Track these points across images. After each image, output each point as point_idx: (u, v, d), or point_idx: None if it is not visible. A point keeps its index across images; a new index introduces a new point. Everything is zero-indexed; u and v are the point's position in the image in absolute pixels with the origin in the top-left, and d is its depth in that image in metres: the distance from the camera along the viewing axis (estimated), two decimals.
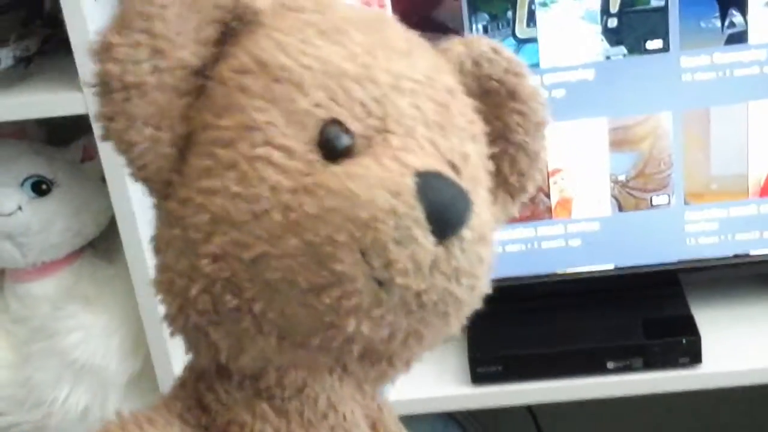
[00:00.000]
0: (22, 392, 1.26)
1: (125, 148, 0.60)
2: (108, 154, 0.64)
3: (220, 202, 0.58)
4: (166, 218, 0.62)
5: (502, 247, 1.30)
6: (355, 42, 0.61)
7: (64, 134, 1.28)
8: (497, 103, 0.72)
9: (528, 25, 1.20)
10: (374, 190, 0.54)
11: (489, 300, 1.31)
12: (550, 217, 1.29)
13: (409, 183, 0.55)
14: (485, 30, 1.20)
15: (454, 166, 0.61)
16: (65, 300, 1.26)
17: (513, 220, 1.25)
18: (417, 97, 0.61)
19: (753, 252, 1.29)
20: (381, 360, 0.68)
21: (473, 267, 0.57)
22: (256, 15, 0.62)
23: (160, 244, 0.63)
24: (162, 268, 0.63)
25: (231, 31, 0.62)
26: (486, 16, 1.19)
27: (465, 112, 0.66)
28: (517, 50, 1.19)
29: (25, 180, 1.22)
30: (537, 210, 1.28)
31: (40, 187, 1.23)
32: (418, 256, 0.54)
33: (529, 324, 1.32)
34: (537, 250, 1.31)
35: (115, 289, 1.25)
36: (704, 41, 1.19)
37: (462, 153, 0.63)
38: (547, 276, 1.32)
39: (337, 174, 0.56)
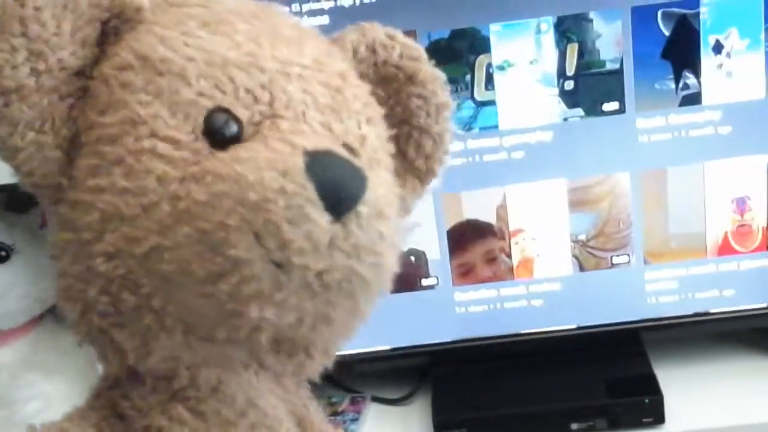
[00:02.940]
0: None
1: (10, 154, 0.59)
2: None
3: (108, 198, 0.57)
4: (59, 223, 0.61)
5: (465, 308, 1.30)
6: (239, 31, 0.61)
7: (23, 200, 1.27)
8: (396, 89, 0.73)
9: (486, 88, 1.21)
10: (262, 172, 0.54)
11: (452, 361, 1.32)
12: (512, 277, 1.29)
13: (298, 162, 0.54)
14: None
15: (350, 148, 0.61)
16: (24, 369, 1.24)
17: (475, 281, 1.28)
18: (306, 82, 0.61)
19: (713, 310, 1.30)
20: (297, 350, 0.67)
21: (374, 243, 0.56)
22: (136, 12, 0.62)
23: (56, 251, 0.62)
24: (60, 274, 0.61)
25: (112, 29, 0.61)
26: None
27: (359, 95, 0.65)
28: (476, 113, 1.20)
29: None
30: (499, 270, 1.29)
31: None
32: (314, 235, 0.53)
33: (492, 385, 1.31)
34: (500, 311, 1.31)
35: (76, 357, 1.23)
36: (659, 103, 1.21)
37: (358, 135, 0.63)
38: (510, 336, 1.32)
39: (224, 159, 0.56)
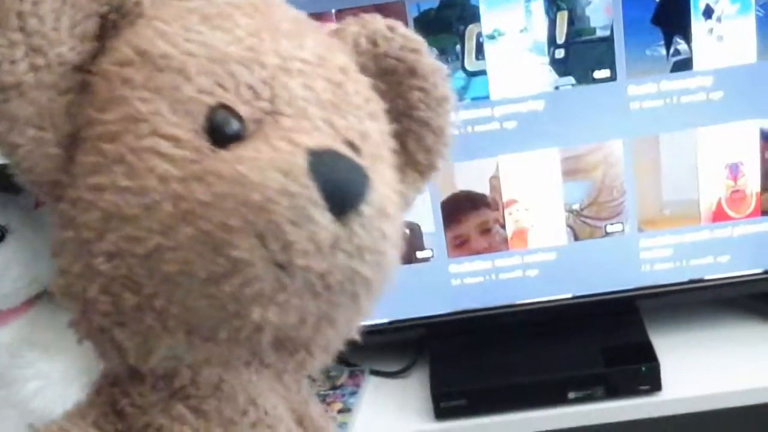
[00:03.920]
0: None
1: (9, 151, 0.58)
2: None
3: (109, 197, 0.57)
4: (58, 221, 0.61)
5: (460, 279, 1.31)
6: (239, 26, 0.60)
7: (16, 180, 1.27)
8: (397, 81, 0.72)
9: (477, 58, 1.21)
10: (265, 172, 0.53)
11: (449, 333, 1.32)
12: (507, 248, 1.29)
13: (301, 162, 0.54)
14: None
15: (352, 145, 0.61)
16: (23, 348, 1.24)
17: (470, 253, 1.28)
18: (308, 78, 0.61)
19: (707, 277, 1.30)
20: (298, 348, 0.67)
21: (376, 243, 0.56)
22: (135, 6, 0.61)
23: (56, 248, 0.61)
24: (60, 272, 0.61)
25: (111, 23, 0.61)
26: (435, 49, 1.18)
27: (361, 90, 0.65)
28: (467, 83, 1.20)
29: None
30: (493, 241, 1.29)
31: None
32: (317, 236, 0.53)
33: (489, 356, 1.32)
34: (495, 282, 1.31)
35: (74, 336, 1.24)
36: (650, 69, 1.21)
37: (360, 131, 0.63)
38: (505, 307, 1.32)
39: (226, 159, 0.55)
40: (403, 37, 0.72)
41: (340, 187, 0.54)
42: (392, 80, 0.72)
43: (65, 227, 0.60)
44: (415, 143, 0.74)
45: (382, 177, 0.62)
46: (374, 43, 0.72)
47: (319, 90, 0.61)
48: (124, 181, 0.56)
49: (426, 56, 0.73)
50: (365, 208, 0.55)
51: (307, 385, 0.76)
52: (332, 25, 0.72)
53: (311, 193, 0.53)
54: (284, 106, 0.59)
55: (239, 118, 0.58)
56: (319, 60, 0.62)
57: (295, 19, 0.65)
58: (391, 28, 0.72)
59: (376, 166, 0.62)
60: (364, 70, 0.69)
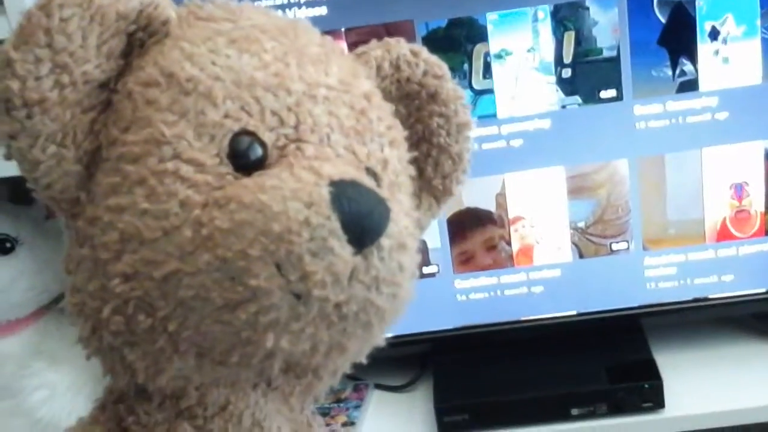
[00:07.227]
0: None
1: (29, 167, 0.58)
2: None
3: (128, 219, 0.56)
4: (75, 238, 0.61)
5: (465, 295, 1.31)
6: (266, 50, 0.60)
7: (28, 192, 1.27)
8: (418, 106, 0.72)
9: (484, 77, 1.22)
10: (287, 202, 0.53)
11: (453, 348, 1.32)
12: (512, 265, 1.30)
13: (324, 193, 0.54)
14: None
15: (372, 173, 0.61)
16: (30, 358, 1.25)
17: (475, 269, 1.29)
18: (332, 104, 0.61)
19: (711, 295, 1.31)
20: (306, 372, 0.67)
21: (393, 275, 0.56)
22: (162, 25, 0.61)
23: (70, 265, 0.61)
24: (73, 289, 0.61)
25: (138, 42, 0.60)
26: None
27: (383, 117, 0.65)
28: (475, 101, 1.21)
29: None
30: (499, 258, 1.30)
31: (3, 246, 1.22)
32: (336, 267, 0.53)
33: (494, 372, 1.32)
34: (500, 298, 1.32)
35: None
36: (656, 90, 1.21)
37: (381, 159, 0.63)
38: (510, 323, 1.33)
39: (248, 186, 0.55)
40: (427, 62, 0.72)
41: (362, 219, 0.54)
42: (413, 105, 0.72)
43: (82, 245, 0.60)
44: (432, 169, 0.74)
45: (401, 206, 0.62)
46: (397, 68, 0.72)
47: (343, 117, 0.61)
48: (144, 204, 0.56)
49: (448, 82, 0.73)
50: (385, 241, 0.55)
51: (311, 406, 0.76)
52: (358, 48, 0.72)
53: (333, 224, 0.53)
54: (308, 134, 0.59)
55: (263, 144, 0.58)
56: (343, 86, 0.62)
57: (322, 43, 0.65)
58: (414, 53, 0.72)
59: (395, 194, 0.63)
60: (386, 94, 0.69)
